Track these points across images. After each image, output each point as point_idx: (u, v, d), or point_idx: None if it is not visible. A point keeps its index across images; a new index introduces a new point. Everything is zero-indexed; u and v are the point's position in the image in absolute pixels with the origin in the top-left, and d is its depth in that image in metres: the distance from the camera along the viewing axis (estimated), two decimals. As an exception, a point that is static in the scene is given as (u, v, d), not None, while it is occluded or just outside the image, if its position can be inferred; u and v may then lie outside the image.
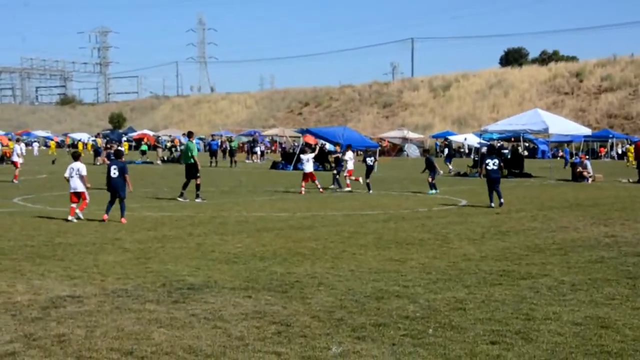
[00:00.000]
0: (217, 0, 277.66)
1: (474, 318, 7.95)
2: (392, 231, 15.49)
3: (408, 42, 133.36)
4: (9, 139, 79.54)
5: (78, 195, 16.96)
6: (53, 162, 51.69)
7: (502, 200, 20.66)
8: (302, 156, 28.27)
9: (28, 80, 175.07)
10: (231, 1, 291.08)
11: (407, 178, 35.68)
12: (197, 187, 22.40)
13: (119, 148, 25.43)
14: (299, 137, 55.98)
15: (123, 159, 18.11)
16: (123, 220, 16.48)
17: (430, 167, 26.05)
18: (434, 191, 25.52)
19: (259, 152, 62.94)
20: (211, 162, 50.30)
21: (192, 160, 22.38)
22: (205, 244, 13.40)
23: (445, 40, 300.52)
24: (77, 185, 16.93)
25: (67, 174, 17.17)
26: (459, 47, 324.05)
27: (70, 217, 16.67)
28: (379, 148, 57.56)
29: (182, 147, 40.55)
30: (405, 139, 76.49)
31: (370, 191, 25.88)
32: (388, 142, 77.35)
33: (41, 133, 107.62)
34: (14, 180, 30.03)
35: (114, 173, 16.92)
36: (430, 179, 25.79)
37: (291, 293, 9.19)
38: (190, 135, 24.39)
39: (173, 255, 12.09)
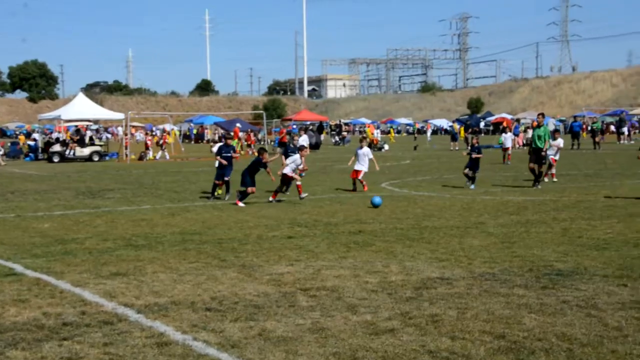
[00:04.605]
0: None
1: None
2: None
3: None
4: (376, 128, 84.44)
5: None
6: (415, 148, 53.81)
7: None
8: None
9: (392, 71, 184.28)
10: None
11: None
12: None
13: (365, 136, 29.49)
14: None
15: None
16: None
17: None
18: None
19: (626, 133, 58.99)
20: (572, 145, 48.46)
21: None
22: (572, 229, 12.95)
23: None
24: (287, 170, 19.52)
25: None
26: None
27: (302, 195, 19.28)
28: None
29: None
30: None
31: None
32: None
33: (403, 120, 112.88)
34: None
35: None
36: None
37: (672, 284, 8.47)
38: None
39: (538, 240, 11.87)
